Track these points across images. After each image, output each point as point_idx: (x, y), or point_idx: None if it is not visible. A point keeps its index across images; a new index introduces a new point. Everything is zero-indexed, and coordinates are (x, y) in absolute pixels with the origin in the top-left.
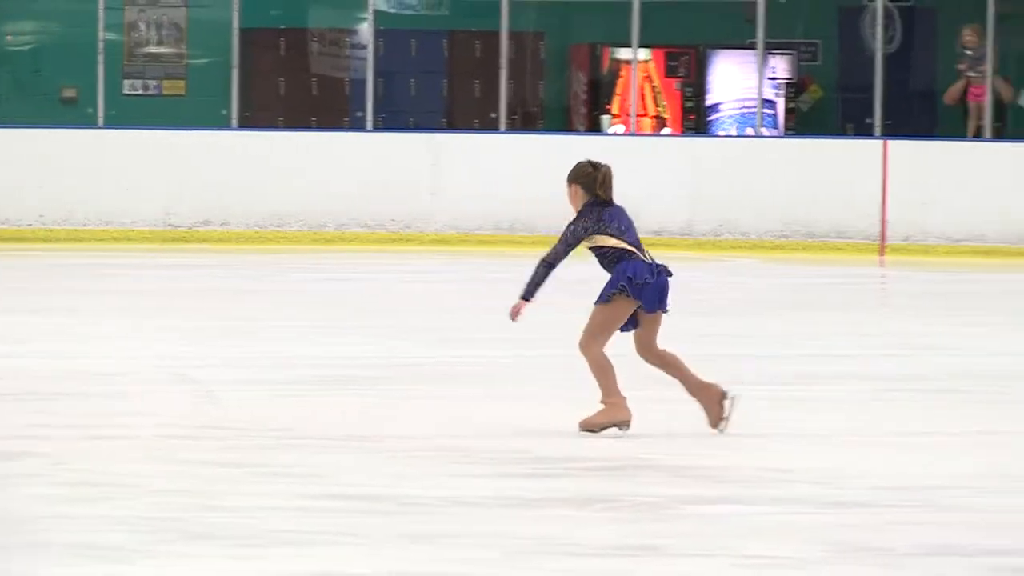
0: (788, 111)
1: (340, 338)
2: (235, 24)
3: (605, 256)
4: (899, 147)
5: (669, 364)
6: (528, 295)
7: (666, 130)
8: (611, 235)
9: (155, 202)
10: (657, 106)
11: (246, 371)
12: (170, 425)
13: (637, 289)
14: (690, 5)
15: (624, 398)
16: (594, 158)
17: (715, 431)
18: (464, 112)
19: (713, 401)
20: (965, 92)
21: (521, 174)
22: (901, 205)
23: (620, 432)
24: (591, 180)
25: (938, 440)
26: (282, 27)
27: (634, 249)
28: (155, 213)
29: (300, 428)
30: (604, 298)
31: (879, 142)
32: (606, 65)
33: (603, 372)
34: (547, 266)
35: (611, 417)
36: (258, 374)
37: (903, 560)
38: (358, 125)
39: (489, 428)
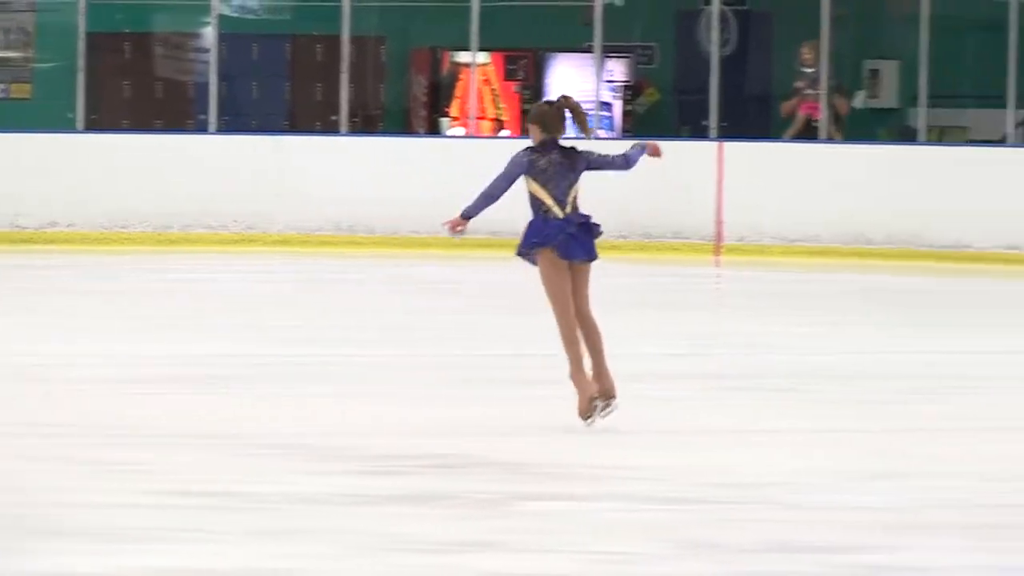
0: (625, 113)
1: (186, 338)
2: (81, 28)
3: (530, 200)
4: (735, 149)
5: (588, 336)
6: (467, 213)
7: (505, 132)
8: (536, 182)
9: (2, 204)
10: (496, 108)
11: (93, 370)
12: (18, 423)
13: (557, 247)
14: (528, 9)
15: (585, 373)
16: (433, 161)
17: (584, 422)
18: (306, 115)
19: (586, 396)
20: (795, 112)
21: (362, 176)
22: (736, 206)
23: (601, 404)
24: (543, 116)
25: (776, 438)
26: (127, 31)
27: (550, 202)
28: (2, 215)
29: (147, 426)
30: (521, 253)
31: (715, 144)
32: (446, 68)
33: (567, 344)
34: (485, 197)
35: (583, 400)
36: (105, 373)
37: (747, 557)
38: (202, 127)
39: (332, 426)
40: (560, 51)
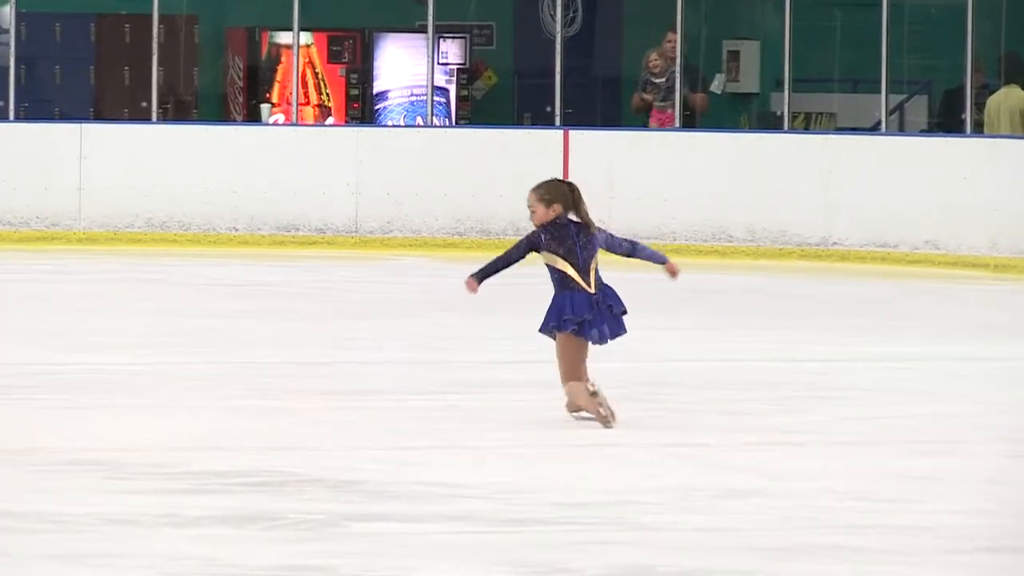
0: (461, 99)
1: None
2: None
3: (552, 275)
4: (581, 137)
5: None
6: (478, 276)
7: (330, 119)
8: (557, 255)
9: None
10: (320, 94)
11: None
12: None
13: (577, 328)
14: None
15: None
16: (251, 151)
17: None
18: (113, 101)
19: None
20: (649, 111)
21: (175, 167)
22: (584, 198)
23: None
24: (567, 199)
25: (624, 452)
26: None
27: (575, 276)
28: None
29: None
30: (545, 329)
31: (559, 132)
32: (265, 50)
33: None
34: (503, 261)
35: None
36: None
37: None
38: (0, 115)
39: (137, 441)
40: (390, 31)
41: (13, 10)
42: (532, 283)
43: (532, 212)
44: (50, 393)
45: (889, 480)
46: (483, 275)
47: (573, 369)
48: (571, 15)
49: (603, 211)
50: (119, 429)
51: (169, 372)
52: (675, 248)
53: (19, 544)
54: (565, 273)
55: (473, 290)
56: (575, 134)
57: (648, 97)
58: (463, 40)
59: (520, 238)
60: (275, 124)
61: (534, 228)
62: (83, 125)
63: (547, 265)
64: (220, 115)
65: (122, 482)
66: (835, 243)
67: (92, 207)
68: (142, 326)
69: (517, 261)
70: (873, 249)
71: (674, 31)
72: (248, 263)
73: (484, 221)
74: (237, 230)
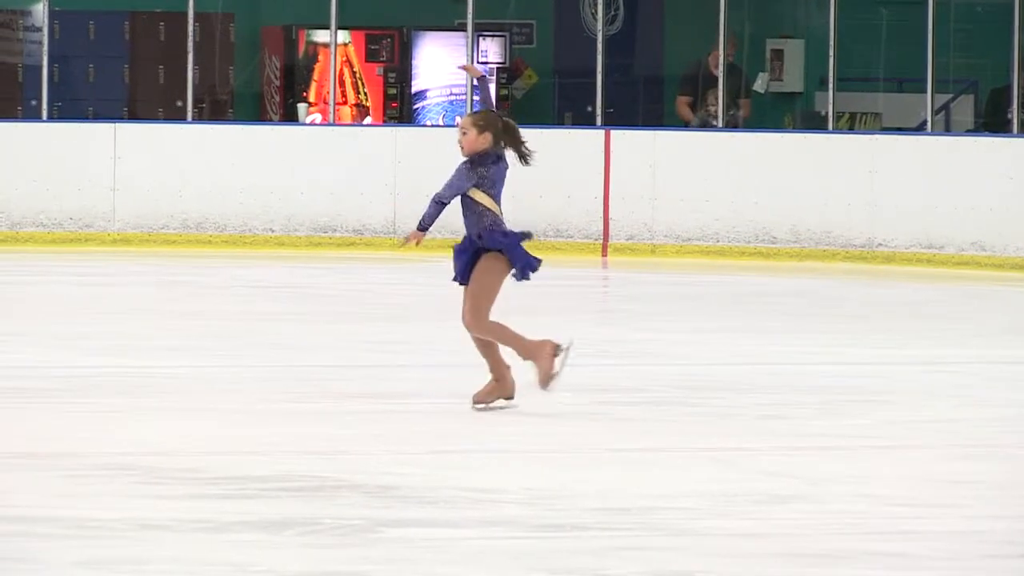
0: (501, 98)
1: (9, 347)
2: None
3: (474, 211)
4: (622, 137)
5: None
6: (423, 227)
7: (368, 119)
8: (487, 193)
9: None
10: (358, 93)
11: None
12: None
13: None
14: None
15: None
16: (288, 151)
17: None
18: (148, 100)
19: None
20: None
21: (210, 168)
22: (625, 201)
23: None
24: (499, 132)
25: (662, 457)
26: None
27: (496, 211)
28: None
29: None
30: (527, 268)
31: (600, 132)
32: (302, 49)
33: (503, 336)
34: (438, 204)
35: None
36: None
37: None
38: (32, 115)
39: (174, 444)
40: (428, 29)
41: (46, 8)
42: (569, 285)
43: (463, 134)
44: (82, 396)
45: (932, 485)
46: (425, 225)
47: (489, 306)
48: (612, 13)
49: (645, 211)
50: (152, 433)
51: (203, 375)
52: (718, 249)
53: (49, 550)
54: (487, 209)
55: (419, 242)
56: (616, 134)
57: (714, 121)
58: (503, 39)
59: (452, 176)
60: (312, 124)
61: (465, 158)
62: (117, 125)
63: (471, 199)
64: (256, 115)
65: (155, 487)
66: (880, 245)
67: (126, 208)
68: (176, 328)
69: (453, 198)
70: (918, 251)
71: (716, 50)
72: (284, 265)
73: (524, 223)
74: (273, 231)
